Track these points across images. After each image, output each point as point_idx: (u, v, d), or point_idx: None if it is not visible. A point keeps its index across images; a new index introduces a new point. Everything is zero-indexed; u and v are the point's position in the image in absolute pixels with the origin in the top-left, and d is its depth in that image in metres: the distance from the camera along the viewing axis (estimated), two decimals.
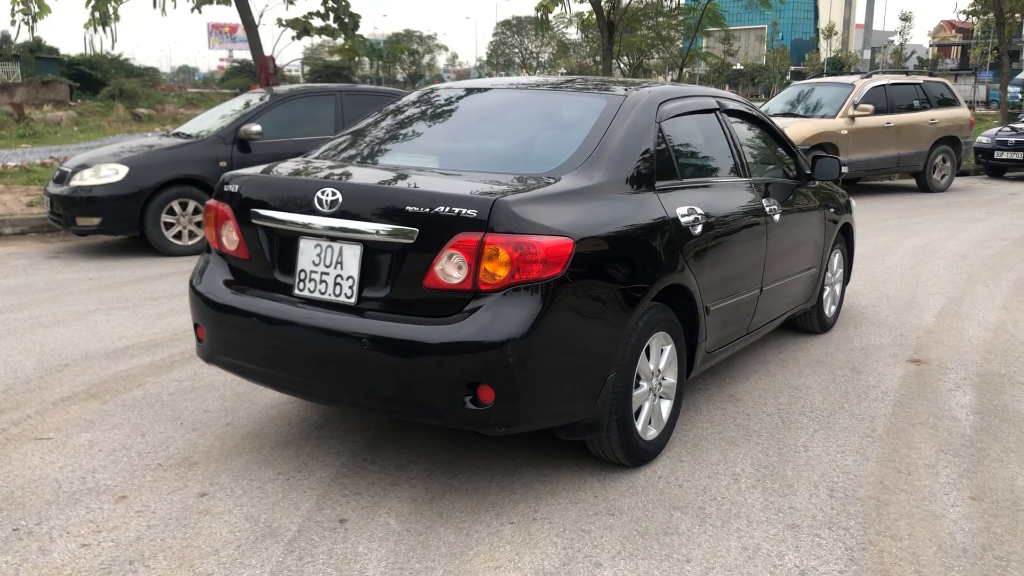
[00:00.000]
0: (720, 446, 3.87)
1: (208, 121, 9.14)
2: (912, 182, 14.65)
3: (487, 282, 2.98)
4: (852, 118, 12.73)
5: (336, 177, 3.43)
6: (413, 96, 4.52)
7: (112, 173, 7.87)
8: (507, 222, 2.97)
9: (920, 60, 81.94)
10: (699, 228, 3.78)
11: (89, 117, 26.21)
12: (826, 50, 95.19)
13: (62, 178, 8.07)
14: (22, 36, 33.45)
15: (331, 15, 13.76)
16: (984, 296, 6.82)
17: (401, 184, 3.30)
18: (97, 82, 37.94)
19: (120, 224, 8.00)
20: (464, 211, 2.99)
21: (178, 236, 8.17)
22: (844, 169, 5.19)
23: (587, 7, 16.22)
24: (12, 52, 44.28)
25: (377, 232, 3.12)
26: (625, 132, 3.65)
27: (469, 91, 4.38)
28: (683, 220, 3.68)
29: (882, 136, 13.02)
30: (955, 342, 5.54)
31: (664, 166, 3.80)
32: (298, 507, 3.23)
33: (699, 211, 3.80)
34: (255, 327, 3.37)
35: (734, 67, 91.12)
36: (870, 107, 12.81)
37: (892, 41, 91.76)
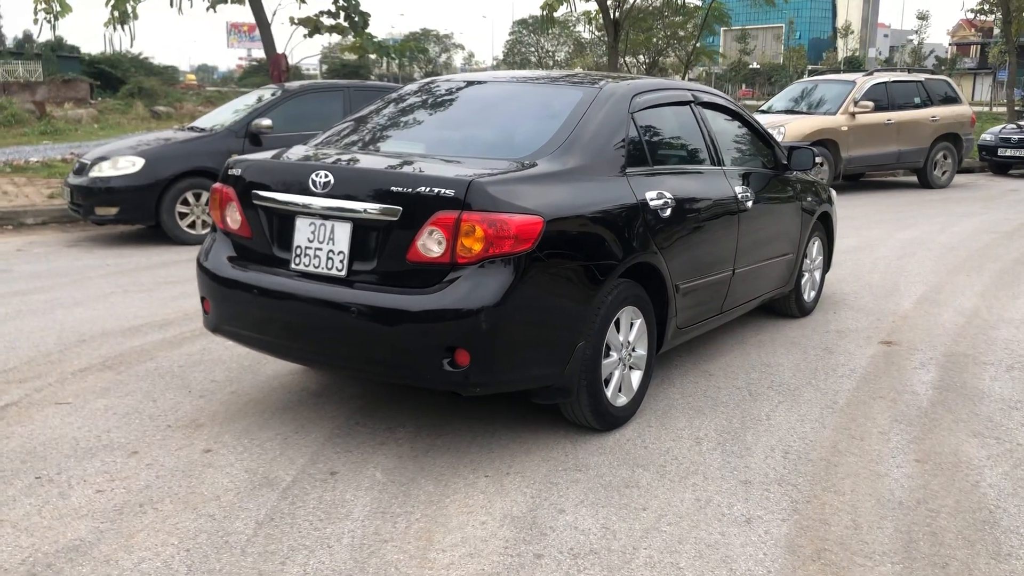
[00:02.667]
0: (688, 414, 4.16)
1: (222, 116, 9.49)
2: (914, 179, 14.84)
3: (464, 256, 3.28)
4: (853, 115, 12.95)
5: (330, 161, 3.75)
6: (413, 87, 4.84)
7: (129, 165, 8.23)
8: (482, 201, 3.27)
9: (938, 59, 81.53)
10: (668, 211, 4.06)
11: (109, 115, 26.70)
12: (843, 49, 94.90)
13: (81, 169, 8.44)
14: (44, 35, 34.06)
15: (341, 13, 14.11)
16: (965, 285, 7.05)
17: (388, 167, 3.61)
18: (117, 80, 38.55)
19: (136, 214, 8.36)
20: (443, 191, 3.29)
21: (192, 225, 8.52)
22: (817, 159, 5.46)
23: (593, 6, 16.53)
24: (34, 51, 45.01)
25: (365, 211, 3.43)
26: (598, 121, 3.94)
27: (464, 84, 4.67)
28: (652, 203, 3.97)
29: (883, 133, 13.24)
30: (928, 326, 5.80)
31: (636, 153, 4.09)
32: (293, 462, 3.55)
33: (668, 195, 4.09)
34: (256, 299, 3.69)
35: (750, 66, 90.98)
36: (870, 104, 13.02)
37: (911, 40, 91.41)
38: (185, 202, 8.46)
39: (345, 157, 3.87)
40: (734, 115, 5.21)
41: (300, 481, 3.38)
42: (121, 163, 8.25)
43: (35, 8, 12.43)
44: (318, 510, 3.16)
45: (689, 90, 4.81)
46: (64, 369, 4.64)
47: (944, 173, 14.32)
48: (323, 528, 3.03)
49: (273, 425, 3.92)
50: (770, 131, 12.33)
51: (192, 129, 9.38)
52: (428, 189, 3.32)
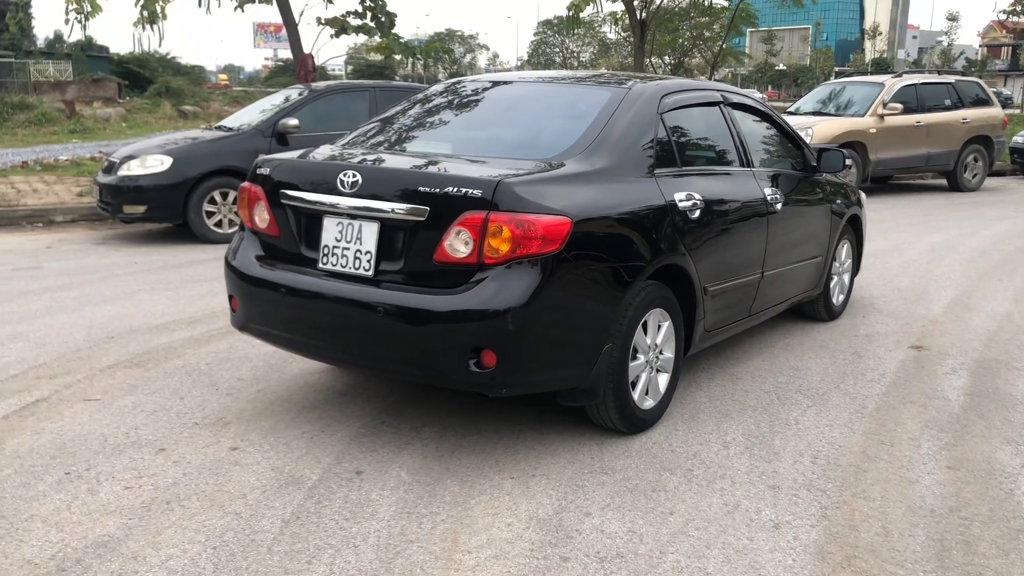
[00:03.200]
0: (715, 418, 4.12)
1: (249, 115, 9.54)
2: (944, 181, 14.66)
3: (491, 256, 3.27)
4: (881, 117, 12.82)
5: (358, 161, 3.75)
6: (439, 87, 4.84)
7: (157, 164, 8.30)
8: (509, 201, 3.25)
9: (968, 61, 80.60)
10: (697, 213, 4.03)
11: (137, 114, 26.95)
12: (871, 51, 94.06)
13: (110, 168, 8.52)
14: (74, 35, 34.44)
15: (368, 14, 14.16)
16: (997, 289, 6.96)
17: (415, 167, 3.61)
18: (145, 80, 38.87)
19: (164, 212, 8.43)
20: (470, 191, 3.28)
21: (219, 224, 8.58)
22: (847, 162, 5.40)
23: (620, 6, 16.48)
24: (65, 51, 45.53)
25: (392, 211, 3.43)
26: (627, 122, 3.92)
27: (491, 84, 4.66)
28: (681, 205, 3.94)
29: (912, 135, 13.09)
30: (959, 331, 5.72)
31: (665, 154, 4.06)
32: (319, 460, 3.55)
33: (697, 197, 4.05)
34: (283, 298, 3.70)
35: (776, 67, 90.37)
36: (899, 106, 12.89)
37: (940, 41, 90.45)
38: (212, 201, 8.52)
39: (373, 157, 3.87)
40: (763, 116, 5.16)
41: (326, 480, 3.38)
42: (149, 162, 8.31)
43: (66, 8, 12.57)
44: (344, 509, 3.16)
45: (718, 91, 4.77)
46: (93, 366, 4.68)
47: (975, 176, 14.14)
48: (349, 527, 3.03)
49: (299, 423, 3.93)
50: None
51: (219, 128, 9.44)
52: (455, 189, 3.31)
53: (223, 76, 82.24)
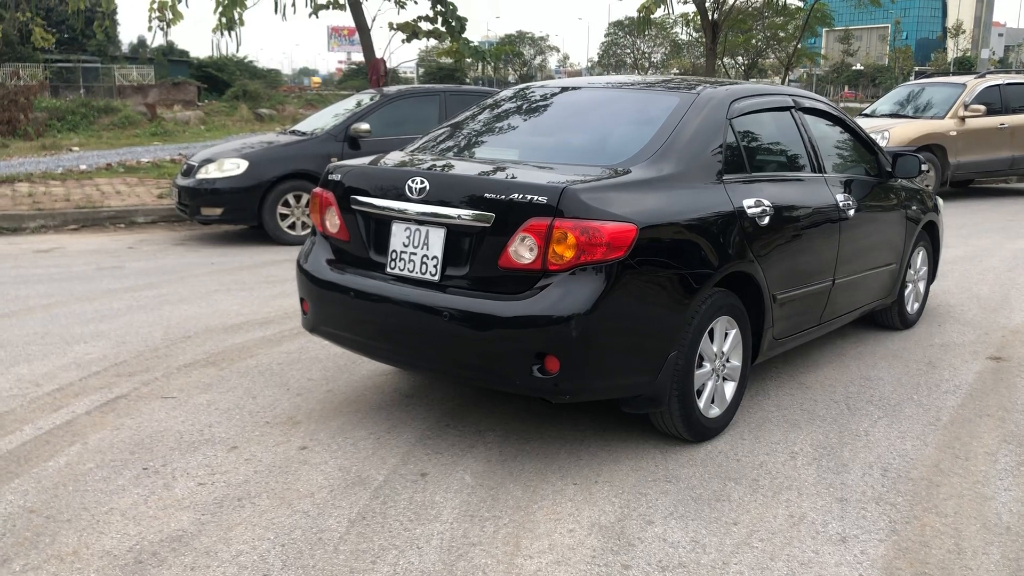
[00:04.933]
0: (783, 427, 4.07)
1: (322, 120, 9.73)
2: None
3: (555, 262, 3.28)
4: (962, 119, 12.44)
5: (426, 167, 3.80)
6: (508, 93, 4.87)
7: (234, 167, 8.53)
8: (574, 208, 3.27)
9: None
10: (767, 220, 3.98)
11: (215, 117, 27.65)
12: (953, 50, 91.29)
13: (189, 171, 8.78)
14: (157, 40, 35.62)
15: (439, 18, 14.31)
16: None
17: (481, 174, 3.64)
18: (223, 83, 39.84)
19: (240, 214, 8.65)
20: (535, 198, 3.30)
21: (292, 226, 8.77)
22: (924, 167, 5.26)
23: (691, 7, 16.35)
24: (147, 55, 47.01)
25: (459, 217, 3.47)
26: (695, 128, 3.89)
27: (559, 89, 4.68)
28: (750, 211, 3.89)
29: (995, 138, 12.68)
30: None
31: (733, 160, 4.02)
32: (385, 462, 3.61)
33: (767, 203, 4.00)
34: (352, 301, 3.77)
35: (853, 67, 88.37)
36: (982, 108, 12.50)
37: None
38: (286, 203, 8.71)
39: (440, 163, 3.92)
40: (836, 120, 5.07)
41: (391, 481, 3.44)
42: (226, 165, 8.55)
43: (149, 16, 13.00)
44: (408, 511, 3.21)
45: (789, 95, 4.70)
46: (170, 364, 4.83)
47: None
48: (413, 529, 3.08)
49: (367, 424, 4.00)
50: (873, 135, 11.96)
51: (294, 133, 9.65)
52: (521, 196, 3.33)
53: (316, 80, 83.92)
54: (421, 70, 61.86)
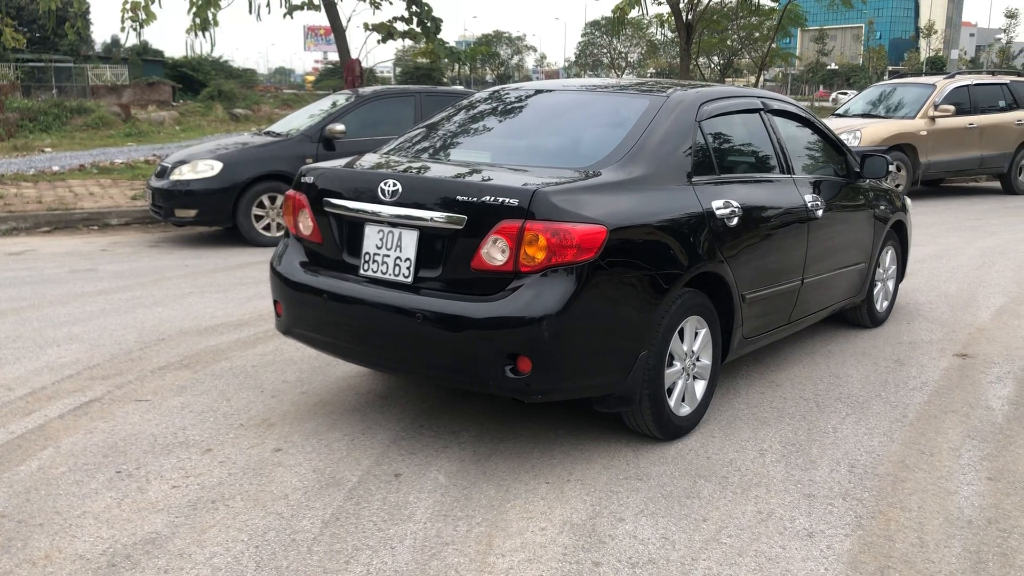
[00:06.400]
0: (752, 425, 4.13)
1: (297, 120, 9.72)
2: (998, 184, 14.36)
3: (527, 264, 3.32)
4: (932, 119, 12.61)
5: (398, 170, 3.83)
6: (483, 94, 4.90)
7: (208, 169, 8.50)
8: (546, 210, 3.31)
9: None
10: (735, 220, 4.04)
11: (190, 117, 27.50)
12: (926, 50, 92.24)
13: (163, 173, 8.74)
14: (131, 40, 35.32)
15: (414, 19, 14.31)
16: None
17: (454, 176, 3.68)
18: (198, 83, 39.59)
19: (214, 216, 8.63)
20: (507, 200, 3.34)
21: (267, 228, 8.75)
22: (891, 168, 5.35)
23: (666, 8, 16.44)
24: (121, 55, 46.59)
25: (432, 219, 3.50)
26: (665, 130, 3.94)
27: (533, 92, 4.71)
28: (718, 212, 3.95)
29: (964, 137, 12.86)
30: (1008, 339, 5.63)
31: (703, 162, 4.08)
32: (359, 463, 3.64)
33: (735, 204, 4.06)
34: (325, 303, 3.79)
35: (828, 67, 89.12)
36: (951, 108, 12.67)
37: (998, 39, 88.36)
38: (261, 205, 8.69)
39: (413, 166, 3.95)
40: (805, 122, 5.14)
41: (365, 482, 3.46)
42: (200, 167, 8.52)
43: (122, 17, 12.92)
44: (382, 511, 3.23)
45: (759, 97, 4.77)
46: (144, 367, 4.83)
47: None
48: (386, 529, 3.10)
49: (341, 426, 4.02)
50: (846, 135, 12.09)
51: (268, 134, 9.63)
52: (493, 198, 3.37)
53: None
54: (398, 70, 61.72)
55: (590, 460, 3.69)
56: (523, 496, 3.37)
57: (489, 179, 3.56)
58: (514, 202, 3.33)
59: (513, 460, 3.68)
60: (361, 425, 4.03)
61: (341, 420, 4.09)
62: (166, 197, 8.52)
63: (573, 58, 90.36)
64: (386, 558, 2.92)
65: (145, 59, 46.24)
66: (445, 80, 59.72)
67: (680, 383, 3.88)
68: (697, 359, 3.98)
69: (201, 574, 2.81)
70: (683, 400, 3.92)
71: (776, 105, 4.85)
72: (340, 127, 8.85)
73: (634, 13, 15.22)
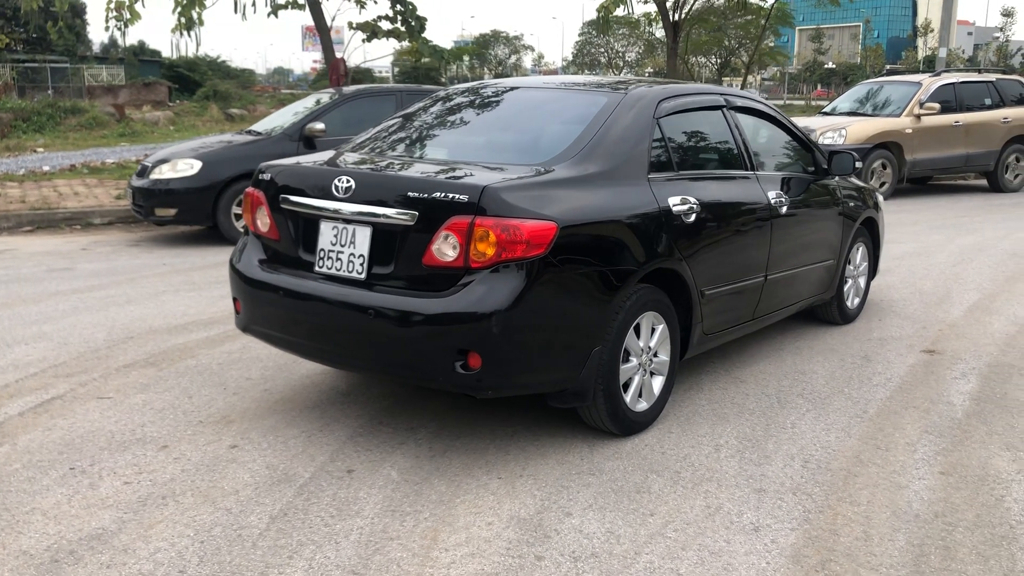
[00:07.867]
0: (711, 421, 4.14)
1: (280, 119, 9.72)
2: (985, 182, 14.38)
3: (477, 260, 3.33)
4: (918, 117, 12.62)
5: (353, 166, 3.84)
6: (447, 92, 4.91)
7: (188, 168, 8.51)
8: (496, 206, 3.32)
9: None
10: (692, 217, 4.04)
11: (185, 117, 27.48)
12: (923, 48, 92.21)
13: (143, 172, 8.75)
14: (128, 40, 35.38)
15: (399, 18, 14.32)
16: (1022, 292, 6.83)
17: (406, 172, 3.69)
18: (194, 83, 39.55)
19: (194, 215, 8.63)
20: (457, 196, 3.35)
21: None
22: (858, 164, 5.36)
23: (653, 7, 16.44)
24: (118, 55, 46.62)
25: (384, 215, 3.51)
26: (621, 127, 3.95)
27: (502, 89, 4.70)
28: (675, 209, 3.96)
29: (949, 135, 12.87)
30: (976, 335, 5.64)
31: (661, 159, 4.08)
32: (314, 459, 3.65)
33: (693, 201, 4.07)
34: (282, 300, 3.80)
35: (826, 66, 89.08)
36: (937, 106, 12.68)
37: (996, 37, 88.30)
38: (240, 204, 8.68)
39: (369, 162, 3.96)
40: (771, 119, 5.15)
41: (317, 478, 3.47)
42: (180, 166, 8.53)
43: (106, 16, 12.92)
44: (331, 507, 3.24)
45: (721, 94, 4.77)
46: (110, 365, 4.84)
47: (1016, 176, 13.85)
48: (333, 524, 3.11)
49: (299, 423, 4.03)
50: (831, 133, 12.07)
51: (250, 132, 9.63)
52: (443, 194, 3.38)
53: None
54: (396, 69, 61.67)
55: (545, 456, 3.70)
56: (473, 491, 3.38)
57: (441, 176, 3.57)
58: (464, 198, 3.34)
59: (468, 456, 3.69)
60: (320, 422, 4.04)
61: (300, 417, 4.10)
62: (146, 196, 8.53)
63: (571, 57, 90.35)
64: (329, 553, 2.93)
65: (142, 59, 46.28)
66: (444, 80, 59.65)
67: (636, 379, 3.89)
68: (655, 355, 3.99)
69: (143, 569, 2.82)
70: (640, 396, 3.93)
71: (740, 102, 4.86)
72: (320, 126, 8.85)
73: (620, 12, 15.23)
